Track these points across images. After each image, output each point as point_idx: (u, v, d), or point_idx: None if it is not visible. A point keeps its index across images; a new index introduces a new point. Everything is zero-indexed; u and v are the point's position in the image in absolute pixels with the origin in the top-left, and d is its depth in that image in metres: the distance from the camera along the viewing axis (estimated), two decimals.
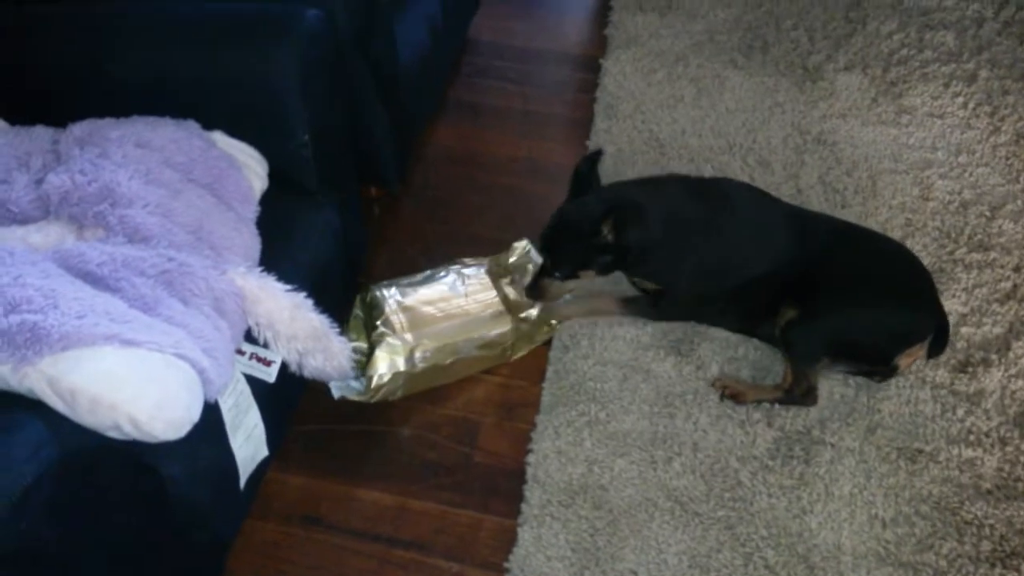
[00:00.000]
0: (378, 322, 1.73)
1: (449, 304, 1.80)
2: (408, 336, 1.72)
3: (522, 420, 1.75)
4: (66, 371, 1.01)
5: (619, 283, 1.94)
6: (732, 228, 1.79)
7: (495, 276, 1.88)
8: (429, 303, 1.79)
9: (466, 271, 1.88)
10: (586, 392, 1.76)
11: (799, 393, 1.72)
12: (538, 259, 1.89)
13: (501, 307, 1.82)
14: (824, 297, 1.71)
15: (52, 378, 1.01)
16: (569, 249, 1.76)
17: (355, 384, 1.73)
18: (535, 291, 1.81)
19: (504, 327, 1.79)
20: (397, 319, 1.74)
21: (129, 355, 1.05)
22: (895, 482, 1.65)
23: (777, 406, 1.75)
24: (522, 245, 1.96)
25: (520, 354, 1.85)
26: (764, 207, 1.85)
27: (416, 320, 1.75)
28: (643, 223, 1.72)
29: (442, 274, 1.86)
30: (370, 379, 1.69)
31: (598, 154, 1.86)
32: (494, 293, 1.84)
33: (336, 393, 1.72)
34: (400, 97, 1.98)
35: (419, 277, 1.85)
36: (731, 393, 1.75)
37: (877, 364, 1.76)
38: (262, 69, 1.50)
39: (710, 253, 1.79)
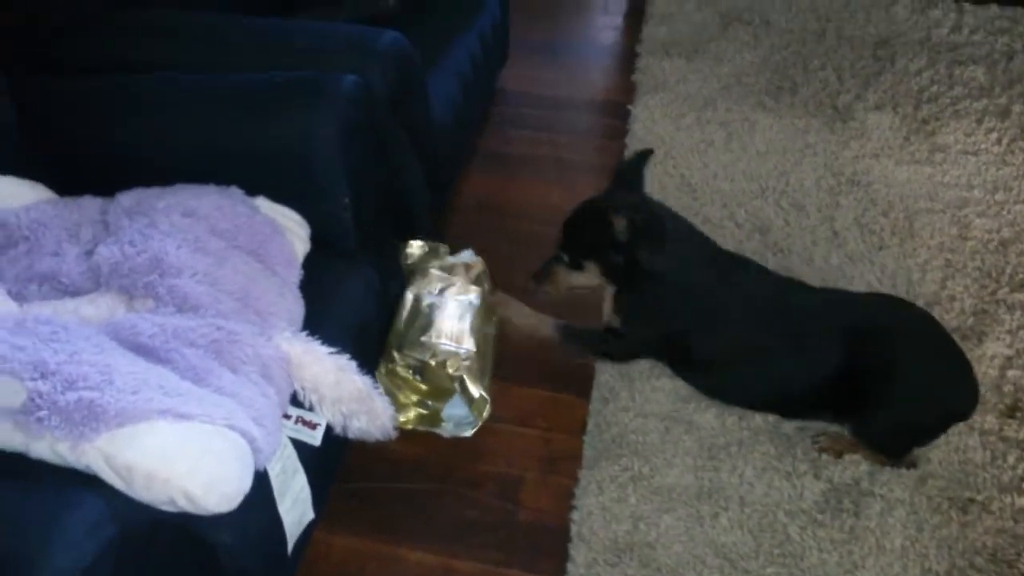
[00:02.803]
0: (441, 363, 1.74)
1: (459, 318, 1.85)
2: (465, 346, 1.78)
3: (565, 475, 1.74)
4: (122, 447, 1.02)
5: None
6: (733, 320, 1.73)
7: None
8: (451, 319, 1.84)
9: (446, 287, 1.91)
10: (628, 445, 1.75)
11: (905, 466, 1.72)
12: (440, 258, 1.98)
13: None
14: (873, 405, 1.65)
15: (109, 455, 1.02)
16: (583, 233, 1.72)
17: (451, 428, 1.82)
18: (541, 275, 1.80)
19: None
20: (449, 346, 1.77)
21: (183, 429, 1.07)
22: (948, 534, 1.61)
23: (823, 457, 1.73)
24: (418, 245, 2.02)
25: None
26: (776, 304, 1.73)
27: (457, 336, 1.80)
28: (662, 245, 1.66)
29: (429, 302, 1.86)
30: (480, 404, 1.78)
31: (648, 153, 1.82)
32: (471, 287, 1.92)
33: (447, 435, 1.81)
34: (434, 152, 2.00)
35: (423, 319, 1.82)
36: (830, 450, 1.74)
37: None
38: (303, 136, 1.53)
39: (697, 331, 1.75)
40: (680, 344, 1.78)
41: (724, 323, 1.73)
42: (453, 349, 1.77)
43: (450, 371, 1.73)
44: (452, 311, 1.84)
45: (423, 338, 1.77)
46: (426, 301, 1.86)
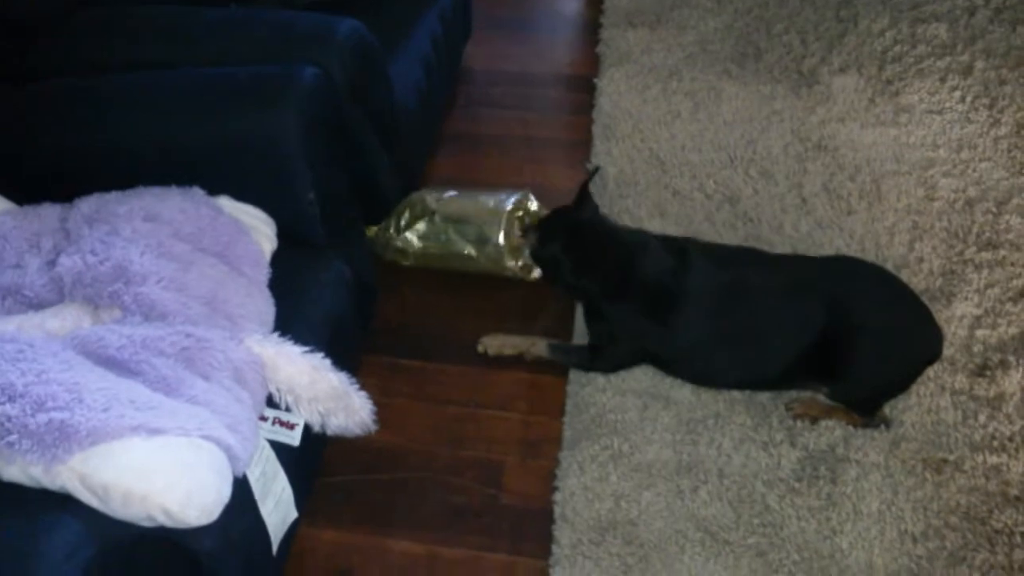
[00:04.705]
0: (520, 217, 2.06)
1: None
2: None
3: (546, 457, 1.75)
4: (97, 467, 1.02)
5: None
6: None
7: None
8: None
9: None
10: (607, 424, 1.76)
11: (875, 425, 1.75)
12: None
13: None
14: (847, 366, 1.68)
15: (84, 475, 1.02)
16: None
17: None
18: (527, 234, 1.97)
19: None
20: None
21: (157, 444, 1.06)
22: (922, 495, 1.64)
23: (799, 424, 1.75)
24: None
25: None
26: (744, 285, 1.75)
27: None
28: (571, 252, 1.79)
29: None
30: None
31: (595, 171, 2.00)
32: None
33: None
34: (400, 139, 1.98)
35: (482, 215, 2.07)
36: (804, 415, 1.77)
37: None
38: (264, 132, 1.51)
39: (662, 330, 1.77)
40: (654, 348, 1.82)
41: (684, 317, 1.74)
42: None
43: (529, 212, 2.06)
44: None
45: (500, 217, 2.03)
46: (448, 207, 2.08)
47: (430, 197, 2.09)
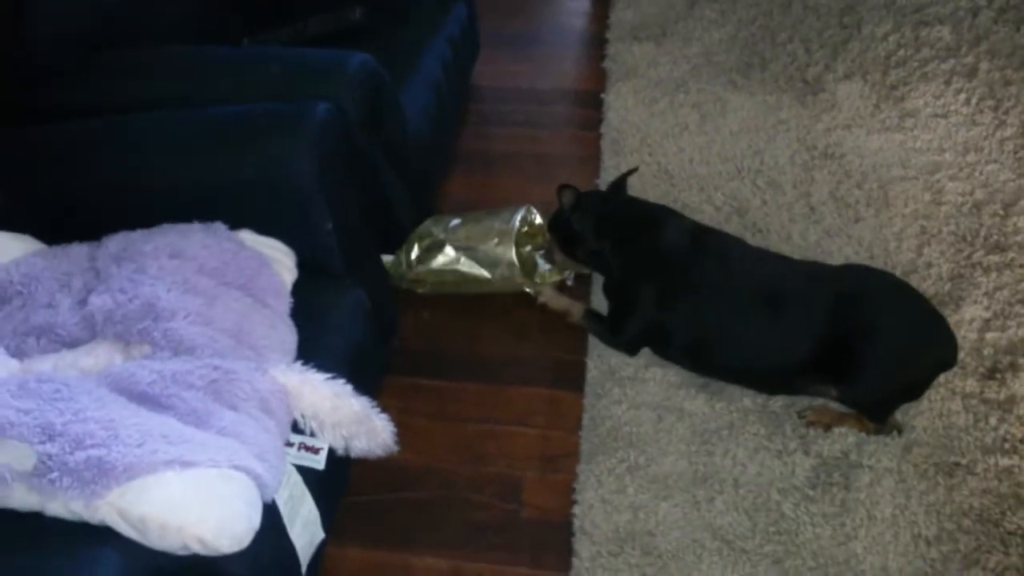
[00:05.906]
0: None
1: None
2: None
3: (564, 471, 1.79)
4: (134, 501, 1.07)
5: None
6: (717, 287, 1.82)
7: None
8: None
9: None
10: (623, 437, 1.80)
11: (888, 432, 1.78)
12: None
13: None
14: (858, 368, 1.69)
15: (122, 509, 1.07)
16: (555, 218, 2.09)
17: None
18: (548, 254, 2.17)
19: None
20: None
21: (190, 477, 1.11)
22: (935, 499, 1.67)
23: (812, 432, 1.79)
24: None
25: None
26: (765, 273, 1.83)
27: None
28: (595, 215, 1.96)
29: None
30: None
31: (632, 171, 2.13)
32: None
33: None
34: (413, 165, 2.04)
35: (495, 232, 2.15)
36: (817, 423, 1.80)
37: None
38: (281, 167, 1.56)
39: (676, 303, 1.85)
40: (663, 325, 1.86)
41: (696, 295, 1.82)
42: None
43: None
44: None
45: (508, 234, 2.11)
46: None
47: (437, 228, 2.14)
